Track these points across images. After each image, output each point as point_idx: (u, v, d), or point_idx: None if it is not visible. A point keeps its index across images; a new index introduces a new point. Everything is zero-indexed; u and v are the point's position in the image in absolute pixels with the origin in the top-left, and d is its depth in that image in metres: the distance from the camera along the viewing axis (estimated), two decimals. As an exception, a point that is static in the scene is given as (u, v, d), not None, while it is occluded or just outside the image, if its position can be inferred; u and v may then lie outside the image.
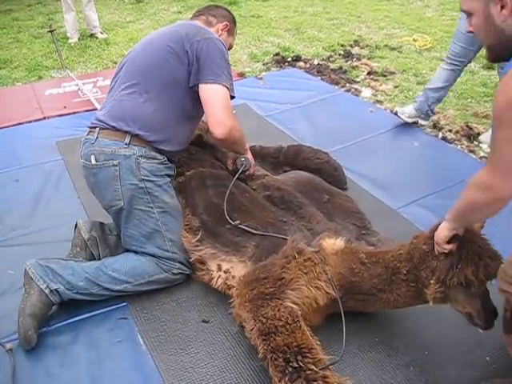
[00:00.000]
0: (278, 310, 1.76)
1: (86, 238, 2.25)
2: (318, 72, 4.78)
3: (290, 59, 5.15)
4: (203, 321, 2.08)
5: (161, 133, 2.15)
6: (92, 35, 6.09)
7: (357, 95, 4.31)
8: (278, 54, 5.26)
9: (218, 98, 2.09)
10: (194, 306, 2.15)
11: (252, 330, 1.76)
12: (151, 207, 2.14)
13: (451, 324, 1.96)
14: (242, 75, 4.76)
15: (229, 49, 2.41)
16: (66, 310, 2.13)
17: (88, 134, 2.20)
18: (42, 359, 1.94)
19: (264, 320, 1.74)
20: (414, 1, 7.44)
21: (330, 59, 5.19)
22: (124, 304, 2.17)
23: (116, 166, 2.08)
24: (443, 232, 1.65)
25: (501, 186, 1.34)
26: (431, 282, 1.74)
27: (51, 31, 4.92)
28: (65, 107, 4.11)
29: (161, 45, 2.19)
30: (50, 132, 3.71)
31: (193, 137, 2.46)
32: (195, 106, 2.20)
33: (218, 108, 2.08)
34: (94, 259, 2.24)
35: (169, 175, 2.26)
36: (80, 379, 1.86)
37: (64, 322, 2.09)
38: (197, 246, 2.18)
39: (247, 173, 2.42)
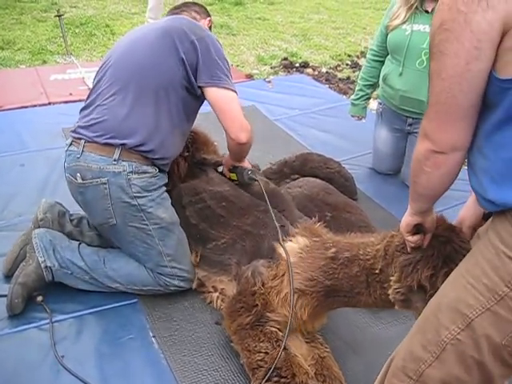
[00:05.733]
0: (259, 339, 1.75)
1: (39, 218, 2.24)
2: (326, 80, 4.80)
3: (297, 65, 5.15)
4: (216, 323, 2.04)
5: (153, 141, 1.98)
6: None
7: (365, 106, 4.31)
8: (286, 59, 5.26)
9: (235, 103, 2.04)
10: (206, 307, 2.11)
11: (243, 364, 1.77)
12: (146, 224, 2.01)
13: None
14: (250, 77, 4.74)
15: None
16: (75, 302, 2.09)
17: (71, 145, 2.01)
18: (50, 351, 1.88)
19: (248, 354, 1.74)
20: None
21: (338, 68, 5.21)
22: (135, 300, 2.13)
23: (105, 183, 1.93)
24: (404, 219, 1.36)
25: (436, 133, 1.10)
26: (391, 279, 1.53)
27: (59, 16, 4.84)
28: (71, 94, 4.04)
29: (152, 43, 2.01)
30: (56, 118, 3.63)
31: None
32: (188, 110, 2.10)
33: (237, 113, 2.03)
34: None
35: (162, 185, 2.10)
36: (90, 373, 1.81)
37: (73, 315, 2.04)
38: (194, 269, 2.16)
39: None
